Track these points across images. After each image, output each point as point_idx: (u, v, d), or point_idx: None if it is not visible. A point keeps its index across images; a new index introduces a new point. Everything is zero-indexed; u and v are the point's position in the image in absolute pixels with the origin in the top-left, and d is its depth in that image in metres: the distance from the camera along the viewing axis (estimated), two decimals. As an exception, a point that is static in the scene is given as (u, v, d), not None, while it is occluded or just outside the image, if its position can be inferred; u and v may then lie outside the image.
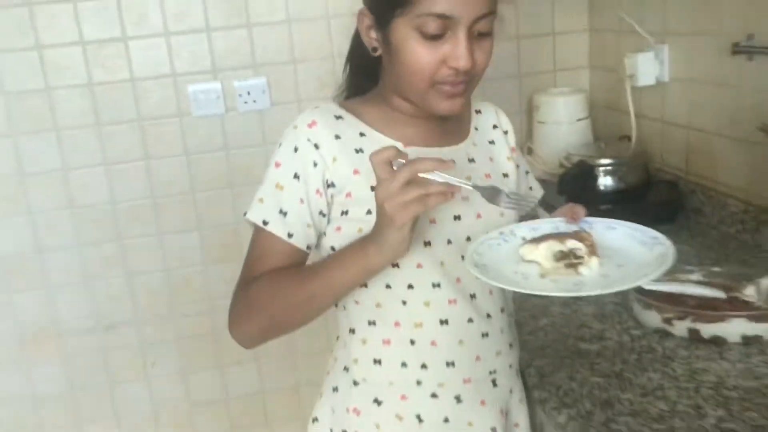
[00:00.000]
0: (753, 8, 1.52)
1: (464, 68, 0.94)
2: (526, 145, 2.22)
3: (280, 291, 1.02)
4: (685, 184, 1.81)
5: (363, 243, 0.96)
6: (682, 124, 1.81)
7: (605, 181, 1.77)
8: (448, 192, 0.88)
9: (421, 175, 0.87)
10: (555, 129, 2.08)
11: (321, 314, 1.05)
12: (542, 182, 1.94)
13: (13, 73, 1.98)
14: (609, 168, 1.76)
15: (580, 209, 1.04)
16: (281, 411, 2.35)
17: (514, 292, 0.98)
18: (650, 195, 1.80)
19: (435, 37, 0.94)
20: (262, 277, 1.02)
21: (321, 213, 1.03)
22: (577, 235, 0.96)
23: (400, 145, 1.01)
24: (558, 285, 0.90)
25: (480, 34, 0.96)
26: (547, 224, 1.04)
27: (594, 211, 1.69)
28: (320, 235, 1.05)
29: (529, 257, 0.95)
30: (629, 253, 0.96)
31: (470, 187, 0.92)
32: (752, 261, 1.48)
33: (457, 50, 0.94)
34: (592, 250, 0.93)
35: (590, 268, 0.92)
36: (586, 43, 2.26)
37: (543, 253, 0.95)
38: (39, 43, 1.98)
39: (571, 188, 1.73)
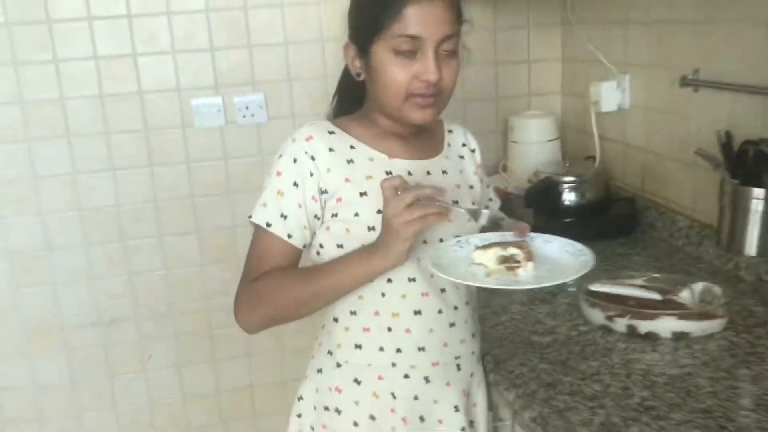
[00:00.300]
0: (699, 46, 1.70)
1: (433, 81, 1.12)
2: (501, 162, 2.40)
3: (288, 287, 1.18)
4: (641, 201, 1.98)
5: (369, 250, 1.12)
6: (640, 147, 2.00)
7: (569, 197, 1.93)
8: (444, 212, 1.07)
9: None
10: (527, 148, 2.25)
11: (321, 308, 1.22)
12: (513, 196, 2.13)
13: (32, 84, 2.13)
14: (572, 184, 1.93)
15: (526, 226, 1.22)
16: (268, 405, 2.48)
17: (480, 292, 1.16)
18: (610, 210, 1.97)
19: (407, 55, 1.12)
20: (271, 273, 1.18)
21: (315, 216, 1.19)
22: (517, 244, 1.14)
23: (405, 175, 1.18)
24: (498, 281, 1.10)
25: (446, 54, 1.14)
26: (496, 236, 1.22)
27: (558, 223, 1.90)
28: (314, 234, 1.22)
29: (479, 260, 1.14)
30: (560, 261, 1.16)
31: (462, 210, 1.13)
32: (692, 270, 1.65)
33: (426, 66, 1.12)
34: (528, 256, 1.12)
35: (526, 270, 1.11)
36: (558, 71, 2.43)
37: (489, 257, 1.13)
38: (56, 57, 2.12)
39: (536, 202, 1.91)
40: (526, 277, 1.10)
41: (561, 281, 1.08)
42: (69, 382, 2.35)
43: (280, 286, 1.18)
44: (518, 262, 1.11)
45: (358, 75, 1.21)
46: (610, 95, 2.03)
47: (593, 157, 2.15)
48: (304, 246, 1.21)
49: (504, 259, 1.12)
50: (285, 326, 2.36)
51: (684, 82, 1.73)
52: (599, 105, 2.04)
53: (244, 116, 2.26)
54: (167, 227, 2.31)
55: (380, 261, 1.11)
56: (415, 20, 1.10)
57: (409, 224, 1.04)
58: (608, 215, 1.96)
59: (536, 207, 1.95)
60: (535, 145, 2.25)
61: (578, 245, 1.18)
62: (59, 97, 2.16)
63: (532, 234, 1.22)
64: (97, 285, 2.30)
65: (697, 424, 1.07)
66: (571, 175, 1.95)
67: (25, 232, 2.22)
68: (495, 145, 2.45)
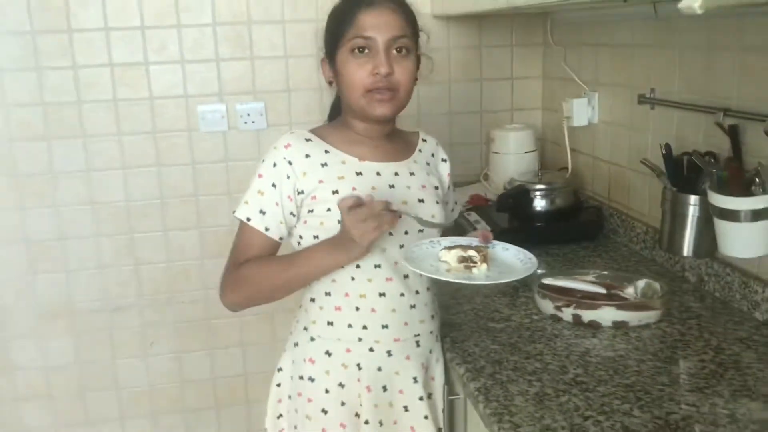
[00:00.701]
0: (655, 67, 1.87)
1: (384, 73, 1.30)
2: (483, 172, 2.57)
3: (264, 274, 1.36)
4: (607, 209, 2.15)
5: (334, 249, 1.30)
6: (606, 159, 2.16)
7: (540, 203, 2.09)
8: (395, 220, 1.25)
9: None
10: (506, 159, 2.41)
11: (293, 292, 1.40)
12: (492, 202, 2.30)
13: (52, 88, 2.31)
14: (543, 192, 2.09)
15: (489, 234, 1.41)
16: (260, 392, 2.59)
17: (446, 284, 1.35)
18: (577, 217, 2.13)
19: (363, 54, 1.31)
20: (251, 261, 1.37)
21: (291, 213, 1.37)
22: (477, 248, 1.34)
23: (374, 176, 1.37)
24: (455, 276, 1.30)
25: (398, 53, 1.32)
26: (464, 240, 1.41)
27: (528, 228, 2.06)
28: (291, 228, 1.40)
29: (444, 258, 1.33)
30: (510, 265, 1.36)
31: (411, 216, 1.32)
32: (645, 271, 1.80)
33: (377, 60, 1.31)
34: (484, 258, 1.32)
35: (479, 270, 1.31)
36: (539, 88, 2.60)
37: (452, 256, 1.33)
38: (75, 64, 2.30)
39: (509, 207, 2.07)
40: (478, 275, 1.31)
41: (503, 281, 1.31)
42: (75, 363, 2.52)
43: (258, 273, 1.36)
44: (475, 262, 1.31)
45: (330, 83, 1.40)
46: (581, 111, 2.20)
47: (566, 168, 2.31)
48: (281, 238, 1.39)
49: (463, 259, 1.32)
50: (276, 319, 2.57)
51: (641, 100, 1.90)
52: (571, 120, 2.21)
53: (245, 122, 2.44)
54: (171, 223, 2.48)
55: (343, 257, 1.30)
56: (367, 23, 1.30)
57: (366, 234, 1.22)
58: (575, 221, 2.12)
59: (509, 212, 2.11)
60: (513, 156, 2.41)
61: (529, 254, 1.38)
62: (77, 101, 2.34)
63: (495, 241, 1.41)
64: (105, 274, 2.47)
65: (618, 395, 1.24)
66: (542, 184, 2.12)
67: (41, 222, 2.39)
68: (478, 155, 2.62)
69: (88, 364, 2.53)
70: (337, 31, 1.34)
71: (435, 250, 1.36)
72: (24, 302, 2.45)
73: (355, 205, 1.22)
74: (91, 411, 2.56)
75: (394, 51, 1.32)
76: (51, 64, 2.30)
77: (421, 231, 1.40)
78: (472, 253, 1.32)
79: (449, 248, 1.34)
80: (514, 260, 1.38)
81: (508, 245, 1.42)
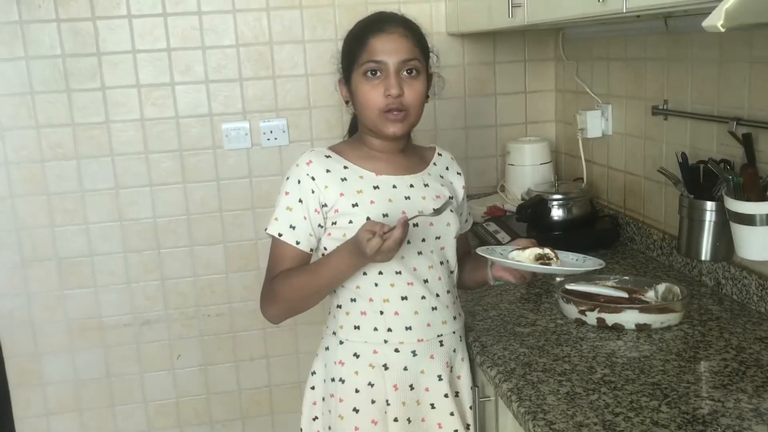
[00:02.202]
0: (667, 79, 1.95)
1: (395, 94, 1.38)
2: (500, 183, 2.64)
3: (294, 287, 1.44)
4: (622, 217, 2.21)
5: (351, 255, 1.35)
6: (621, 169, 2.23)
7: (557, 213, 2.16)
8: (407, 230, 1.29)
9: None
10: (522, 170, 2.49)
11: (325, 296, 1.48)
12: (510, 213, 2.37)
13: (82, 109, 2.39)
14: (560, 202, 2.16)
15: (534, 240, 1.50)
16: (285, 403, 2.69)
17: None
18: (594, 225, 2.20)
19: (375, 77, 1.39)
20: (280, 275, 1.45)
21: (319, 225, 1.45)
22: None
23: (390, 188, 1.45)
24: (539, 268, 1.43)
25: (408, 75, 1.41)
26: (512, 246, 1.52)
27: (547, 236, 2.14)
28: (319, 239, 1.47)
29: (518, 258, 1.44)
30: (574, 264, 1.52)
31: (427, 216, 1.40)
32: (663, 277, 1.86)
33: (389, 82, 1.39)
34: (557, 256, 1.44)
35: (556, 264, 1.43)
36: (552, 101, 2.68)
37: (527, 255, 1.44)
38: (104, 85, 2.39)
39: (527, 217, 2.13)
40: (554, 269, 1.44)
41: (586, 269, 1.48)
42: (105, 377, 2.58)
43: (289, 288, 1.44)
44: (551, 258, 1.42)
45: (347, 102, 1.49)
46: (594, 123, 2.27)
47: (581, 179, 2.38)
48: (311, 250, 1.47)
49: (540, 257, 1.43)
50: (301, 332, 2.63)
51: (655, 111, 1.97)
52: (585, 132, 2.28)
53: (268, 139, 2.51)
54: (197, 238, 2.55)
55: (364, 262, 1.37)
56: (378, 48, 1.39)
57: (386, 254, 1.30)
58: (592, 230, 2.18)
59: (528, 222, 2.18)
60: (529, 168, 2.48)
61: (578, 254, 1.54)
62: (105, 121, 2.42)
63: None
64: (133, 289, 2.54)
65: (646, 393, 1.29)
66: (559, 194, 2.18)
67: (72, 239, 2.46)
68: (495, 167, 2.69)
69: (116, 378, 2.59)
70: (351, 55, 1.43)
71: (496, 254, 1.48)
72: (55, 317, 2.51)
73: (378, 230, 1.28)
74: (120, 424, 2.62)
75: (405, 73, 1.40)
76: (81, 86, 2.39)
77: (438, 238, 1.47)
78: (547, 251, 1.43)
79: (520, 249, 1.45)
80: (570, 259, 1.51)
81: (566, 252, 1.54)
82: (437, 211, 1.41)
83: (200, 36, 2.42)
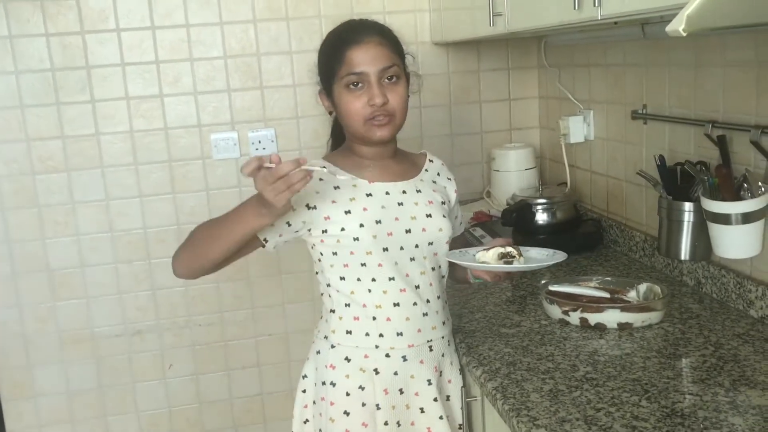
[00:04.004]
0: (646, 84, 1.99)
1: (379, 104, 1.40)
2: (485, 189, 2.68)
3: (203, 228, 1.42)
4: (605, 221, 2.25)
5: (259, 207, 1.29)
6: (603, 173, 2.27)
7: (541, 217, 2.20)
8: (306, 177, 1.23)
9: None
10: (507, 176, 2.53)
11: (228, 251, 1.39)
12: (495, 218, 2.40)
13: (72, 121, 2.42)
14: (544, 206, 2.20)
15: (510, 240, 1.53)
16: (277, 411, 2.70)
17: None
18: (578, 229, 2.24)
19: (357, 88, 1.41)
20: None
21: (287, 223, 1.40)
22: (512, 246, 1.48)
23: (383, 195, 1.46)
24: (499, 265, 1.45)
25: (389, 81, 1.43)
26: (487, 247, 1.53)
27: (531, 240, 2.17)
28: (306, 238, 1.46)
29: (482, 259, 1.46)
30: (540, 260, 1.52)
31: (319, 169, 1.31)
32: (645, 278, 1.89)
33: (372, 92, 1.41)
34: (520, 254, 1.46)
35: (519, 262, 1.45)
36: (536, 108, 2.72)
37: (491, 255, 1.45)
38: (93, 98, 2.42)
39: (512, 222, 2.17)
40: (518, 266, 1.46)
41: (546, 264, 1.49)
42: (97, 388, 2.59)
43: (198, 229, 1.43)
44: (513, 256, 1.44)
45: (330, 112, 1.51)
46: (577, 128, 2.31)
47: (565, 183, 2.42)
48: (266, 240, 1.41)
49: (503, 255, 1.45)
50: (293, 340, 2.63)
51: (635, 115, 2.01)
52: (568, 137, 2.32)
53: (256, 149, 2.54)
54: (187, 248, 2.57)
55: (266, 219, 1.31)
56: (356, 60, 1.41)
57: (278, 196, 1.22)
58: (576, 233, 2.21)
59: (513, 226, 2.21)
60: (514, 174, 2.52)
61: (549, 249, 1.54)
62: (95, 133, 2.45)
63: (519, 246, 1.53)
64: (124, 299, 2.55)
65: (627, 389, 1.33)
66: (543, 198, 2.22)
67: (62, 251, 2.48)
68: (480, 174, 2.73)
69: (108, 388, 2.60)
70: (329, 68, 1.45)
71: (469, 256, 1.49)
72: (46, 329, 2.53)
73: (257, 168, 1.22)
74: (112, 434, 2.63)
75: (386, 80, 1.43)
76: (70, 99, 2.42)
77: (431, 244, 1.50)
78: (510, 249, 1.45)
79: (486, 250, 1.46)
80: (539, 255, 1.52)
81: (527, 247, 1.55)
82: (327, 176, 1.39)
83: (188, 48, 2.46)
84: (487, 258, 1.44)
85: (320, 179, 1.45)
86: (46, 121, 2.41)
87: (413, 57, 1.54)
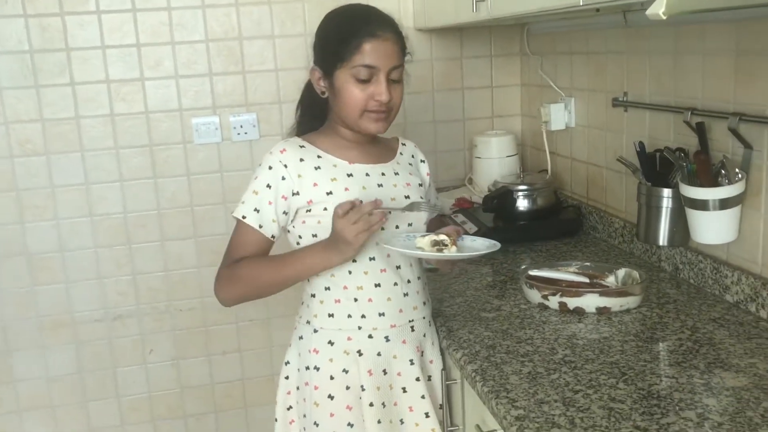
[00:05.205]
0: (626, 72, 2.01)
1: (385, 101, 1.42)
2: (467, 176, 2.69)
3: (262, 272, 1.47)
4: (585, 207, 2.27)
5: (327, 248, 1.40)
6: (583, 160, 2.29)
7: (522, 203, 2.22)
8: (383, 219, 1.37)
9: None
10: (489, 163, 2.54)
11: (285, 289, 1.50)
12: (477, 204, 2.42)
13: (51, 104, 2.39)
14: (525, 192, 2.21)
15: (460, 229, 1.52)
16: (258, 396, 2.71)
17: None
18: (558, 215, 2.26)
19: (365, 82, 1.42)
20: (246, 260, 1.47)
21: (284, 212, 1.47)
22: (448, 235, 1.46)
23: (363, 176, 1.48)
24: (428, 254, 1.44)
25: (393, 80, 1.44)
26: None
27: (512, 226, 2.18)
28: (288, 226, 1.49)
29: (419, 245, 1.45)
30: (477, 249, 1.50)
31: (398, 209, 1.45)
32: (624, 263, 1.91)
33: (380, 89, 1.42)
34: (453, 242, 1.44)
35: (450, 251, 1.44)
36: (518, 95, 2.73)
37: (426, 242, 1.45)
38: (73, 81, 2.39)
39: (493, 208, 2.19)
40: (449, 253, 1.45)
41: (464, 255, 1.47)
42: (77, 373, 2.57)
43: (253, 273, 1.47)
44: (446, 245, 1.44)
45: (323, 93, 1.50)
46: (558, 116, 2.33)
47: (546, 170, 2.44)
48: (273, 236, 1.48)
49: (435, 243, 1.44)
50: (274, 325, 2.65)
51: (615, 103, 2.03)
52: (549, 124, 2.34)
53: (238, 134, 2.53)
54: (168, 233, 2.56)
55: (337, 258, 1.41)
56: (372, 53, 1.41)
57: (358, 236, 1.34)
58: (556, 219, 2.24)
59: (494, 212, 2.23)
60: (496, 161, 2.53)
61: (493, 241, 1.52)
62: (75, 116, 2.42)
63: (465, 236, 1.54)
64: (104, 284, 2.54)
65: (604, 372, 1.34)
66: (524, 185, 2.24)
67: (42, 235, 2.46)
68: (462, 161, 2.74)
69: (88, 374, 2.59)
70: (339, 52, 1.43)
71: (411, 242, 1.48)
72: (25, 314, 2.50)
73: (347, 211, 1.33)
74: (92, 420, 2.62)
75: (392, 77, 1.44)
76: (49, 81, 2.38)
77: (410, 225, 1.51)
78: (443, 237, 1.45)
79: (423, 236, 1.46)
80: (480, 246, 1.51)
81: (476, 237, 1.57)
82: (406, 207, 1.46)
83: (170, 31, 2.43)
84: (422, 244, 1.45)
85: (301, 159, 1.46)
86: (25, 104, 2.38)
87: (411, 56, 1.53)
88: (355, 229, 1.33)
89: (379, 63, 1.42)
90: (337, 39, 1.44)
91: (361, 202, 1.35)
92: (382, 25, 1.43)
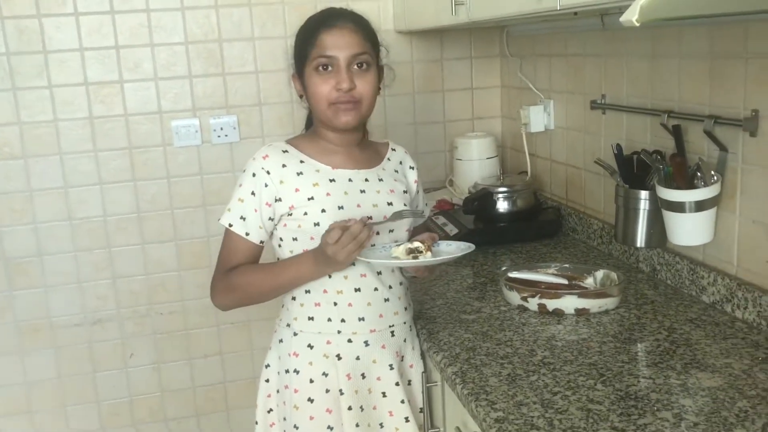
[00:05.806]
0: (604, 75, 2.03)
1: (345, 88, 1.42)
2: (448, 178, 2.70)
3: (254, 282, 1.49)
4: (565, 209, 2.29)
5: (318, 263, 1.42)
6: (562, 162, 2.31)
7: (502, 205, 2.23)
8: (371, 234, 1.39)
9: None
10: (469, 165, 2.55)
11: (280, 295, 1.53)
12: (458, 206, 2.43)
13: (29, 107, 2.36)
14: (505, 194, 2.23)
15: (435, 236, 1.53)
16: (240, 399, 2.70)
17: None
18: (538, 217, 2.27)
19: (325, 71, 1.43)
20: (241, 269, 1.49)
21: (270, 218, 1.48)
22: (423, 242, 1.46)
23: (346, 181, 1.48)
24: (403, 262, 1.45)
25: (359, 69, 1.45)
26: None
27: (492, 228, 2.19)
28: (270, 232, 1.50)
29: (394, 254, 1.46)
30: (451, 253, 1.51)
31: (385, 221, 1.46)
32: (603, 264, 1.93)
33: (339, 77, 1.43)
34: (428, 248, 1.45)
35: (425, 257, 1.44)
36: (498, 97, 2.74)
37: (401, 250, 1.45)
38: (51, 83, 2.36)
39: (473, 210, 2.20)
40: (423, 259, 1.45)
41: (442, 258, 1.48)
42: (56, 378, 2.55)
43: (248, 281, 1.49)
44: (421, 251, 1.45)
45: (301, 96, 1.52)
46: (537, 118, 2.34)
47: (526, 172, 2.45)
48: (261, 242, 1.50)
49: (410, 251, 1.45)
50: (255, 328, 2.65)
51: (593, 105, 2.05)
52: (529, 126, 2.35)
53: (218, 136, 2.52)
54: (148, 236, 2.54)
55: (328, 270, 1.44)
56: (328, 43, 1.43)
57: (347, 255, 1.36)
58: (536, 221, 2.25)
59: (474, 214, 2.24)
60: (476, 162, 2.55)
61: (468, 243, 1.52)
62: (53, 119, 2.40)
63: (440, 241, 1.54)
64: (84, 288, 2.51)
65: (583, 373, 1.36)
66: (504, 187, 2.25)
67: (20, 239, 2.43)
68: (443, 162, 2.75)
69: (68, 378, 2.56)
70: (302, 50, 1.47)
71: (388, 251, 1.49)
72: (3, 319, 2.48)
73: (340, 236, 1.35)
74: (72, 424, 2.59)
75: (356, 66, 1.45)
76: (27, 84, 2.36)
77: (391, 231, 1.52)
78: (417, 244, 1.46)
79: (398, 245, 1.47)
80: (455, 249, 1.52)
81: (451, 242, 1.57)
82: (391, 217, 1.48)
83: (149, 33, 2.42)
84: (397, 253, 1.46)
85: (283, 165, 1.46)
86: (2, 107, 2.35)
87: (387, 50, 1.55)
88: (347, 252, 1.35)
89: (336, 52, 1.43)
90: (300, 40, 1.48)
91: (352, 222, 1.36)
92: (339, 17, 1.46)
